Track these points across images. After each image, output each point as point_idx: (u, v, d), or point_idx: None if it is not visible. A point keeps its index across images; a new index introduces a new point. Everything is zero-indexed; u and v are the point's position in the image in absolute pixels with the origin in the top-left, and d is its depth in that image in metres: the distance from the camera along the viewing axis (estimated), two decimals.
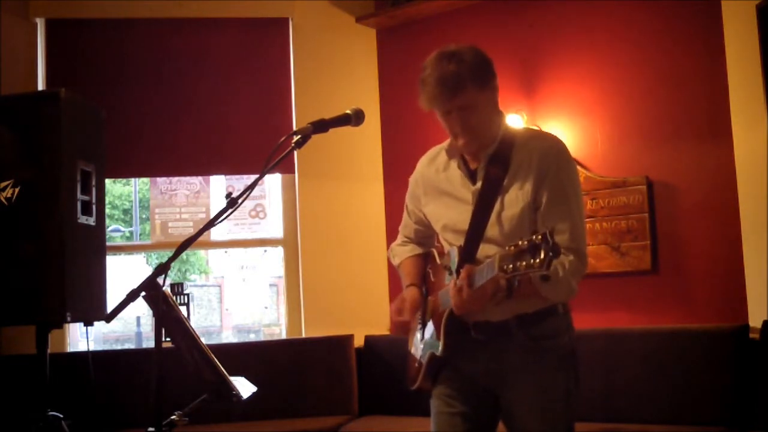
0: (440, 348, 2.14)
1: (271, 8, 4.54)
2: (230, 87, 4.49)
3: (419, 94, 2.15)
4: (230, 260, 18.52)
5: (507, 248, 1.78)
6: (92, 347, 3.16)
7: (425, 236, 2.45)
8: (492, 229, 2.12)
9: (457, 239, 2.18)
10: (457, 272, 2.07)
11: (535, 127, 2.21)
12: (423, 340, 2.28)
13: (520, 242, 1.75)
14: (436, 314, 2.21)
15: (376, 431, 3.64)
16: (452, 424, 2.22)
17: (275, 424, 3.79)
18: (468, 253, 2.13)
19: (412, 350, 2.37)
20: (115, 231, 15.83)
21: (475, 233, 2.14)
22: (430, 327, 2.25)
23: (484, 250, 2.11)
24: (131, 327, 16.57)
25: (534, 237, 1.73)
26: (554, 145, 2.19)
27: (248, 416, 3.83)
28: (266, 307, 18.18)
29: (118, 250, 7.58)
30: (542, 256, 1.70)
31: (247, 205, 4.93)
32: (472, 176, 2.21)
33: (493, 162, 2.16)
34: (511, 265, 1.76)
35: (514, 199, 2.12)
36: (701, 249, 3.58)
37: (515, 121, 3.98)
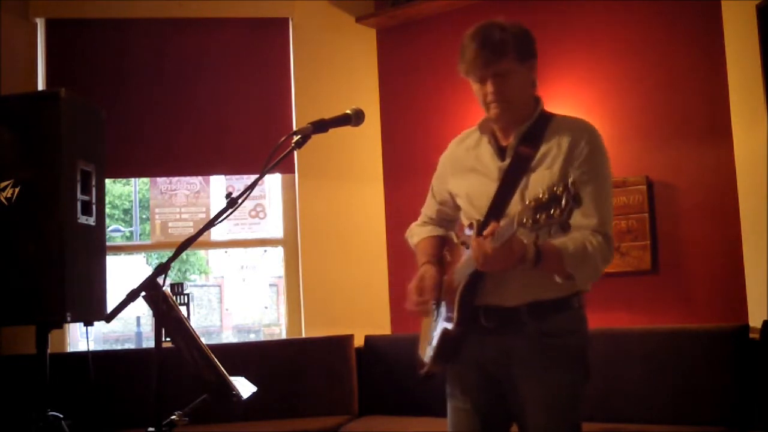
0: (454, 321, 2.11)
1: (271, 8, 4.54)
2: (230, 87, 4.49)
3: (458, 60, 2.17)
4: (230, 260, 18.52)
5: (527, 202, 1.76)
6: (92, 347, 3.16)
7: (447, 218, 2.43)
8: (514, 207, 2.09)
9: (479, 214, 2.17)
10: None
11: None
12: (435, 320, 2.25)
13: (540, 195, 1.73)
14: (450, 290, 2.17)
15: (376, 431, 3.64)
16: (468, 423, 2.21)
17: (275, 424, 3.79)
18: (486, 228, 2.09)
19: (424, 333, 2.32)
20: (115, 231, 15.83)
21: (496, 209, 2.13)
22: (443, 306, 2.21)
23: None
24: (131, 327, 16.58)
25: (555, 188, 1.70)
26: (587, 129, 2.18)
27: (248, 416, 3.83)
28: (266, 307, 18.18)
29: (118, 250, 7.57)
30: (563, 204, 1.67)
31: (247, 205, 4.93)
32: (501, 152, 2.20)
33: (525, 140, 2.16)
34: (530, 219, 1.73)
35: (540, 179, 2.10)
36: (701, 249, 3.58)
37: None
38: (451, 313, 2.13)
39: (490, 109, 2.17)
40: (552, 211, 1.69)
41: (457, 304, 2.11)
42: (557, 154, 2.12)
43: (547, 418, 2.11)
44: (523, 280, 2.06)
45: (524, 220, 1.75)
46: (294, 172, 4.49)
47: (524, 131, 2.17)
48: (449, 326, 2.13)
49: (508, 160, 2.17)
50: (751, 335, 3.21)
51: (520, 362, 2.13)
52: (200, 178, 4.72)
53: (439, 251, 2.36)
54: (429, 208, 2.48)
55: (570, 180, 1.71)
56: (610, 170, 2.19)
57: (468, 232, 2.19)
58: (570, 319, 2.18)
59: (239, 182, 4.84)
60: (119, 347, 14.65)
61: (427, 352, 2.26)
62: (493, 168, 2.20)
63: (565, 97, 3.96)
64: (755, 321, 3.24)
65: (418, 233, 2.46)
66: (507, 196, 2.13)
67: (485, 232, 1.94)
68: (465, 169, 2.29)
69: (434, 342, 2.22)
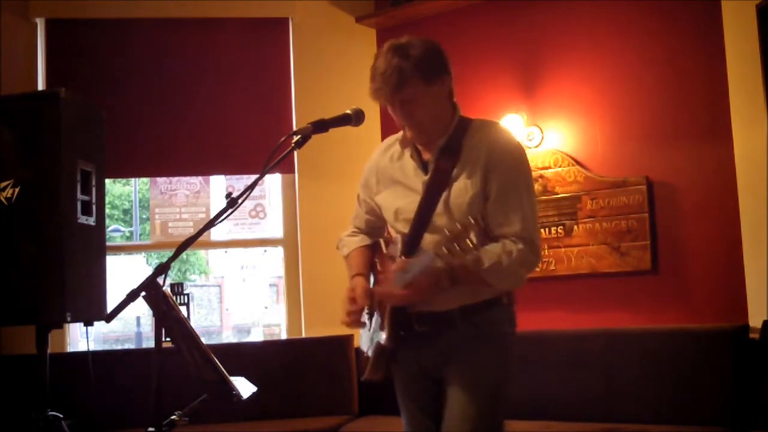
0: (384, 337, 2.15)
1: (271, 8, 4.54)
2: (230, 87, 4.49)
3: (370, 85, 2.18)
4: (230, 260, 18.52)
5: (446, 232, 1.86)
6: (92, 347, 3.16)
7: (375, 227, 2.45)
8: (440, 218, 2.14)
9: (404, 227, 2.20)
10: None
11: (490, 119, 2.19)
12: (370, 331, 2.28)
13: (455, 227, 1.84)
14: (381, 305, 2.21)
15: (376, 431, 3.64)
16: (421, 425, 2.25)
17: (275, 424, 3.79)
18: (412, 242, 2.15)
19: (361, 343, 2.37)
20: (115, 231, 15.81)
21: (420, 222, 2.16)
22: (376, 317, 2.24)
23: (429, 238, 2.13)
24: (131, 327, 16.57)
25: (467, 220, 1.82)
26: (502, 136, 2.22)
27: (248, 416, 3.83)
28: (266, 307, 18.17)
29: (118, 250, 7.58)
30: (473, 237, 1.81)
31: (247, 205, 4.93)
32: (424, 167, 2.23)
33: (444, 153, 2.19)
34: (447, 249, 1.84)
35: (463, 189, 2.14)
36: (701, 249, 3.58)
37: (514, 121, 3.98)
38: (382, 330, 2.17)
39: (405, 131, 2.21)
40: (466, 242, 1.81)
41: (388, 323, 2.15)
42: (476, 163, 2.15)
43: (470, 396, 2.12)
44: (451, 289, 2.10)
45: (442, 249, 1.84)
46: (294, 172, 4.49)
47: (442, 145, 2.19)
48: (382, 341, 2.17)
49: (429, 175, 2.19)
50: (751, 335, 3.21)
51: (452, 354, 2.17)
52: (200, 178, 4.72)
53: (369, 262, 2.38)
54: (357, 219, 2.48)
55: (475, 216, 1.84)
56: (528, 171, 2.22)
57: (394, 246, 2.23)
58: (499, 313, 2.20)
59: (239, 182, 4.84)
60: (119, 347, 14.64)
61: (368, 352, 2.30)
62: (417, 182, 2.22)
63: (565, 97, 3.97)
64: (755, 321, 3.25)
65: (348, 244, 2.46)
66: (431, 209, 2.16)
67: (394, 269, 2.04)
68: (390, 181, 2.31)
69: (370, 353, 2.25)
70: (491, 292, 2.16)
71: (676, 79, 3.68)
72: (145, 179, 10.04)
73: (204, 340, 2.34)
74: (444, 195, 2.14)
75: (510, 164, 2.15)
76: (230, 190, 2.13)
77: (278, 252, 4.62)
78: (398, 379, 2.31)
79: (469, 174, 2.14)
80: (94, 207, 3.07)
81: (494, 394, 2.16)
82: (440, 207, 2.14)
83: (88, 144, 3.09)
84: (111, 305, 2.43)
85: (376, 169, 2.37)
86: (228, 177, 4.94)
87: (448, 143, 2.19)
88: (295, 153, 2.99)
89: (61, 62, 4.35)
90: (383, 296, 2.14)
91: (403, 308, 2.15)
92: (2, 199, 2.90)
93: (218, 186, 5.07)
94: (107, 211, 3.79)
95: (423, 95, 2.13)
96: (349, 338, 4.14)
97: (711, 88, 3.56)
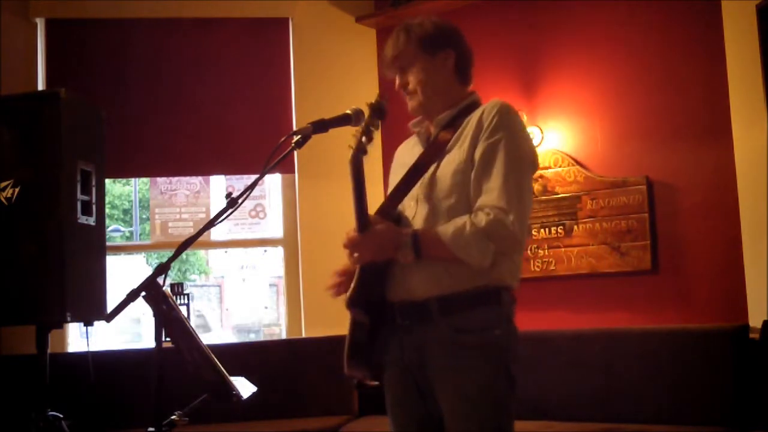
0: (347, 299, 2.15)
1: (271, 8, 4.54)
2: (230, 87, 4.49)
3: None
4: (230, 260, 18.50)
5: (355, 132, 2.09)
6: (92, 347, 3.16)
7: None
8: (420, 188, 2.12)
9: (409, 207, 2.18)
10: None
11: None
12: None
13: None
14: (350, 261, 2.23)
15: (376, 431, 3.64)
16: (406, 425, 2.18)
17: (275, 424, 3.79)
18: (388, 207, 2.14)
19: None
20: (115, 231, 15.77)
21: (400, 190, 2.16)
22: None
23: (405, 205, 2.13)
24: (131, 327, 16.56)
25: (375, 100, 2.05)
26: (497, 105, 2.11)
27: (248, 416, 3.83)
28: (266, 307, 18.16)
29: (118, 250, 7.56)
30: (369, 112, 2.05)
31: (247, 205, 4.92)
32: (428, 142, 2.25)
33: (445, 128, 2.19)
34: (360, 133, 2.07)
35: (451, 159, 2.10)
36: (701, 249, 3.58)
37: None
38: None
39: (406, 101, 2.26)
40: (368, 128, 2.09)
41: (355, 280, 2.16)
42: (468, 132, 2.10)
43: (465, 425, 2.00)
44: (428, 269, 2.02)
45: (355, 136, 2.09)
46: (294, 172, 4.49)
47: (444, 120, 2.19)
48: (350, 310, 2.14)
49: (426, 146, 2.20)
50: (751, 335, 3.21)
51: (432, 362, 2.05)
52: (200, 178, 4.72)
53: None
54: None
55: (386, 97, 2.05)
56: (521, 144, 2.09)
57: None
58: (487, 315, 2.03)
59: (239, 182, 4.84)
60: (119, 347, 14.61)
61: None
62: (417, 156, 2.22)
63: (565, 98, 3.97)
64: (755, 321, 3.25)
65: None
66: (414, 178, 2.14)
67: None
68: (398, 165, 2.33)
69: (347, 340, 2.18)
70: (474, 280, 2.01)
71: (676, 79, 3.69)
72: (145, 179, 10.01)
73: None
74: (433, 166, 2.12)
75: (500, 127, 2.05)
76: (230, 190, 2.13)
77: (278, 252, 4.63)
78: (385, 380, 2.25)
79: (461, 144, 2.10)
80: (94, 207, 3.07)
81: (491, 415, 2.02)
82: (426, 176, 2.11)
83: (88, 144, 3.09)
84: (111, 305, 2.43)
85: (396, 158, 2.40)
86: (228, 177, 4.94)
87: (451, 119, 2.18)
88: (295, 153, 2.98)
89: (61, 62, 4.36)
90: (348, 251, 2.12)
91: (372, 280, 2.11)
92: (2, 199, 2.91)
93: (218, 186, 5.07)
94: (107, 211, 3.79)
95: (421, 64, 2.18)
96: None
97: (711, 88, 3.56)
